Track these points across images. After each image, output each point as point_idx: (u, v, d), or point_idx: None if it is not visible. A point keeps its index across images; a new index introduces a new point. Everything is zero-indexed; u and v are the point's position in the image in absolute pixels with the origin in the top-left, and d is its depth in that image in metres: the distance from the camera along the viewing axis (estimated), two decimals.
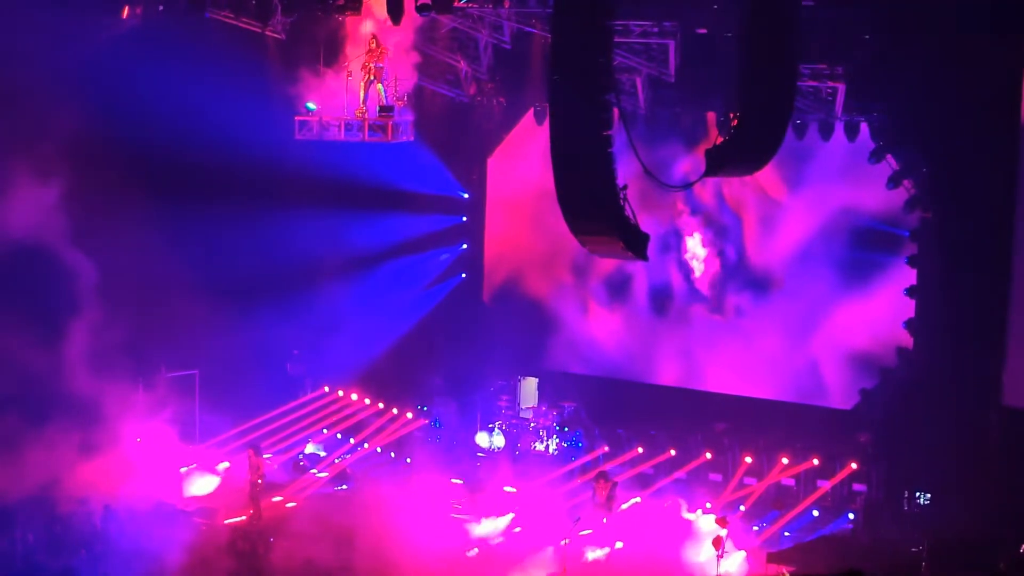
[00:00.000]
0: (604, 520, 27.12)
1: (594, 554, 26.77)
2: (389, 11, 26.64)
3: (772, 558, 26.28)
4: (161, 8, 29.32)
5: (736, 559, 25.97)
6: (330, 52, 28.94)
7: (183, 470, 30.99)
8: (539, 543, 26.69)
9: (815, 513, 28.95)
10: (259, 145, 30.75)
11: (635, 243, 22.22)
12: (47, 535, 26.01)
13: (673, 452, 30.91)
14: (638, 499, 29.35)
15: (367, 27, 28.17)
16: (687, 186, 28.31)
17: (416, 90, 31.07)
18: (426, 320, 36.27)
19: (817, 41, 26.99)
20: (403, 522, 26.46)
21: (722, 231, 32.61)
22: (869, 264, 30.61)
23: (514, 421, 33.75)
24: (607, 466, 30.75)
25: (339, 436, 33.57)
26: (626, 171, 21.67)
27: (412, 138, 29.49)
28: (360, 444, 32.95)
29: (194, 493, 30.15)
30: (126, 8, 29.18)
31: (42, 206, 29.36)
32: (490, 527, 27.43)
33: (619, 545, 26.99)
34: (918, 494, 28.91)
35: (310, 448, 33.10)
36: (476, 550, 27.01)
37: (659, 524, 28.20)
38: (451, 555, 26.59)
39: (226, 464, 31.16)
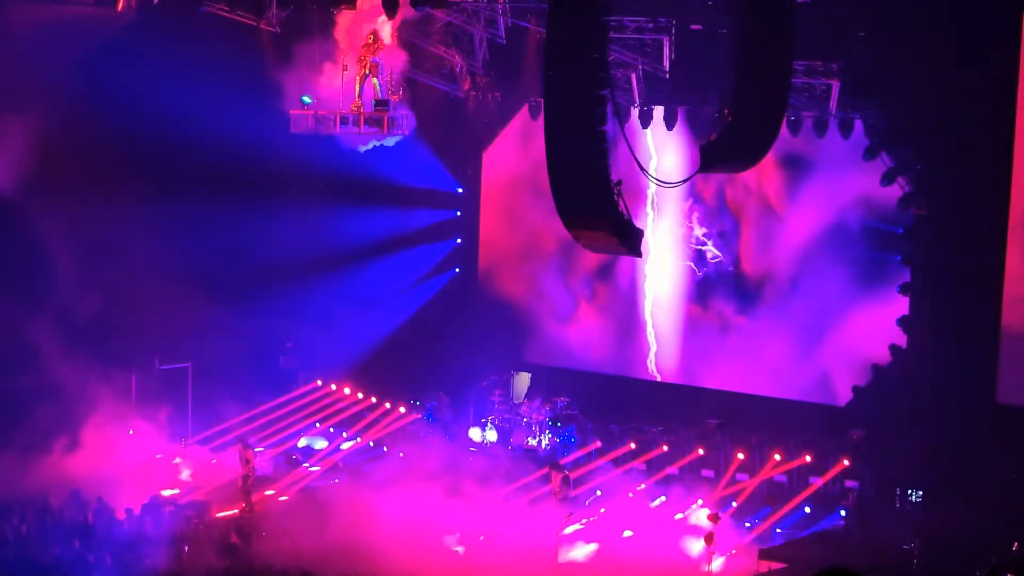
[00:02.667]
0: (569, 514, 27.13)
1: (585, 550, 26.79)
2: (384, 5, 26.62)
3: (764, 555, 26.30)
4: (156, 1, 29.28)
5: (720, 561, 25.95)
6: (325, 46, 28.91)
7: (175, 462, 31.05)
8: (528, 539, 26.69)
9: (807, 510, 28.97)
10: (253, 139, 30.73)
11: (629, 238, 22.19)
12: (39, 527, 26.00)
13: (665, 448, 30.95)
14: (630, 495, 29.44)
15: (363, 21, 28.14)
16: (681, 182, 28.28)
17: (411, 84, 31.06)
18: (419, 314, 36.28)
19: (812, 37, 26.96)
20: (394, 516, 26.46)
21: (714, 228, 32.62)
22: (863, 261, 30.64)
23: (507, 416, 33.75)
24: (600, 461, 30.81)
25: (332, 430, 33.57)
26: (620, 166, 21.67)
27: (408, 133, 29.48)
28: (353, 438, 32.95)
29: (185, 485, 30.14)
30: (121, 1, 29.14)
31: (34, 199, 29.38)
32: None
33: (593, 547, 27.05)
34: (910, 491, 28.91)
35: (303, 442, 33.10)
36: (461, 549, 27.02)
37: (650, 519, 28.24)
38: (440, 550, 26.59)
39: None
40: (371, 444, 32.87)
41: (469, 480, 29.56)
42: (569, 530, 26.72)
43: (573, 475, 29.97)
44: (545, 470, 29.46)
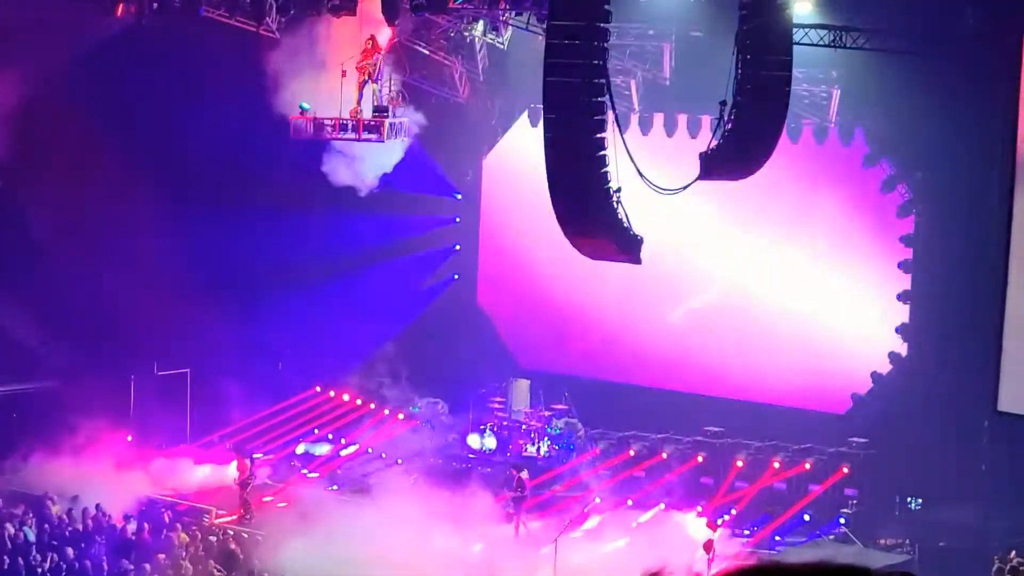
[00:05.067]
0: (512, 515, 27.22)
1: (582, 557, 26.74)
2: (384, 11, 26.61)
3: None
4: (156, 6, 29.24)
5: (719, 568, 25.89)
6: (325, 52, 28.88)
7: (174, 469, 31.05)
8: (531, 545, 26.66)
9: (806, 517, 28.94)
10: (252, 144, 30.70)
11: (628, 246, 22.19)
12: (38, 533, 25.98)
13: (665, 455, 30.89)
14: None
15: (362, 27, 28.11)
16: (680, 190, 28.24)
17: (410, 91, 31.02)
18: (418, 321, 36.21)
19: (812, 46, 26.95)
20: (392, 523, 26.42)
21: (713, 233, 32.53)
22: (862, 268, 30.59)
23: (506, 423, 33.70)
24: (599, 468, 30.77)
25: (330, 436, 33.52)
26: (620, 174, 21.64)
27: (406, 138, 29.45)
28: (351, 444, 32.90)
29: (184, 491, 30.10)
30: (120, 6, 29.11)
31: (32, 203, 29.36)
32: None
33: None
34: (909, 499, 28.90)
35: (301, 448, 33.04)
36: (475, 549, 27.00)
37: (648, 527, 28.22)
38: (441, 555, 26.55)
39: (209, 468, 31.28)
40: (369, 450, 32.81)
41: (467, 487, 29.53)
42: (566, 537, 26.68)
43: (571, 483, 30.00)
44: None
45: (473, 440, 33.52)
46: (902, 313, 29.72)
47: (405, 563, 25.18)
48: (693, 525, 27.94)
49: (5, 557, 24.67)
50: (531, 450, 32.75)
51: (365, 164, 30.28)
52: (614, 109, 21.69)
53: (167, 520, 27.21)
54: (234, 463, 29.33)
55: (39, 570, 24.65)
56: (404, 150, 30.68)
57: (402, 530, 26.27)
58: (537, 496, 29.76)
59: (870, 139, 29.55)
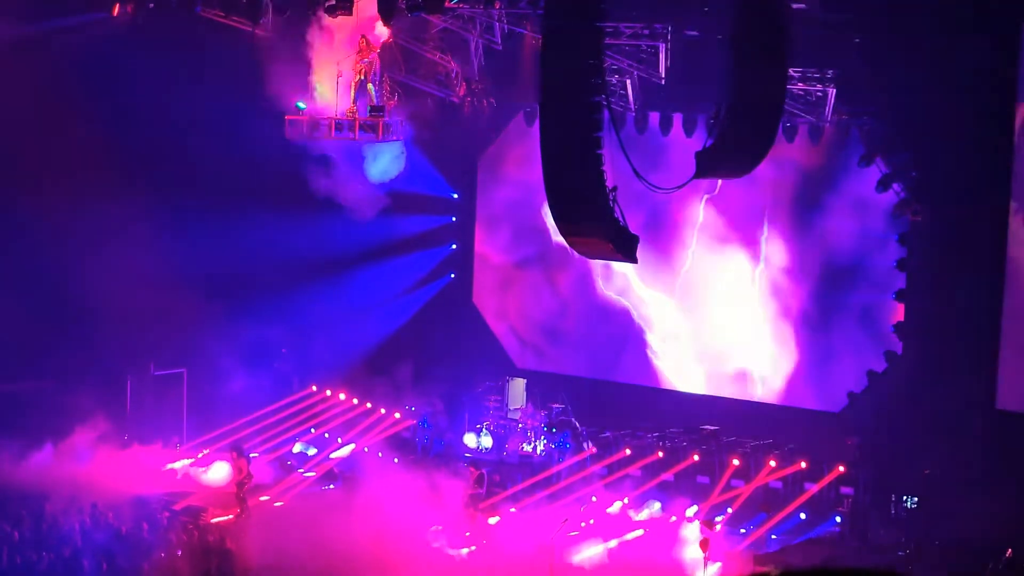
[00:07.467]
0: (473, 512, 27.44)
1: (581, 556, 26.75)
2: (380, 11, 26.60)
3: (759, 561, 26.27)
4: (152, 5, 29.26)
5: (715, 567, 25.92)
6: (321, 51, 28.89)
7: (170, 468, 31.08)
8: (525, 545, 26.66)
9: (802, 516, 28.93)
10: (248, 143, 30.70)
11: (624, 245, 22.20)
12: (34, 532, 25.95)
13: (661, 454, 30.90)
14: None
15: (359, 26, 28.12)
16: (676, 188, 28.31)
17: (406, 90, 31.03)
18: (414, 320, 36.25)
19: (807, 44, 26.96)
20: (389, 522, 26.42)
21: (707, 232, 32.55)
22: (857, 267, 30.62)
23: (502, 422, 33.71)
24: (595, 467, 30.78)
25: (327, 435, 33.53)
26: (616, 173, 21.65)
27: (402, 138, 29.45)
28: (348, 444, 32.90)
29: (180, 490, 30.10)
30: (116, 5, 29.13)
31: (29, 202, 29.35)
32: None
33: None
34: (905, 498, 28.91)
35: (298, 447, 33.06)
36: (470, 549, 27.00)
37: (644, 526, 28.22)
38: (437, 555, 26.57)
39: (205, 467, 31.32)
40: (366, 450, 32.80)
41: (462, 487, 29.55)
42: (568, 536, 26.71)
43: (566, 482, 30.00)
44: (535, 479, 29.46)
45: (469, 439, 33.54)
46: (898, 311, 29.75)
47: (400, 562, 25.19)
48: (689, 524, 27.93)
49: (2, 556, 24.65)
50: (527, 449, 32.78)
51: (368, 184, 30.60)
52: (610, 108, 21.70)
53: (163, 519, 27.21)
54: (230, 462, 29.35)
55: (35, 569, 24.64)
56: (403, 163, 30.89)
57: (397, 529, 26.28)
58: (532, 495, 29.79)
59: (865, 138, 29.55)
